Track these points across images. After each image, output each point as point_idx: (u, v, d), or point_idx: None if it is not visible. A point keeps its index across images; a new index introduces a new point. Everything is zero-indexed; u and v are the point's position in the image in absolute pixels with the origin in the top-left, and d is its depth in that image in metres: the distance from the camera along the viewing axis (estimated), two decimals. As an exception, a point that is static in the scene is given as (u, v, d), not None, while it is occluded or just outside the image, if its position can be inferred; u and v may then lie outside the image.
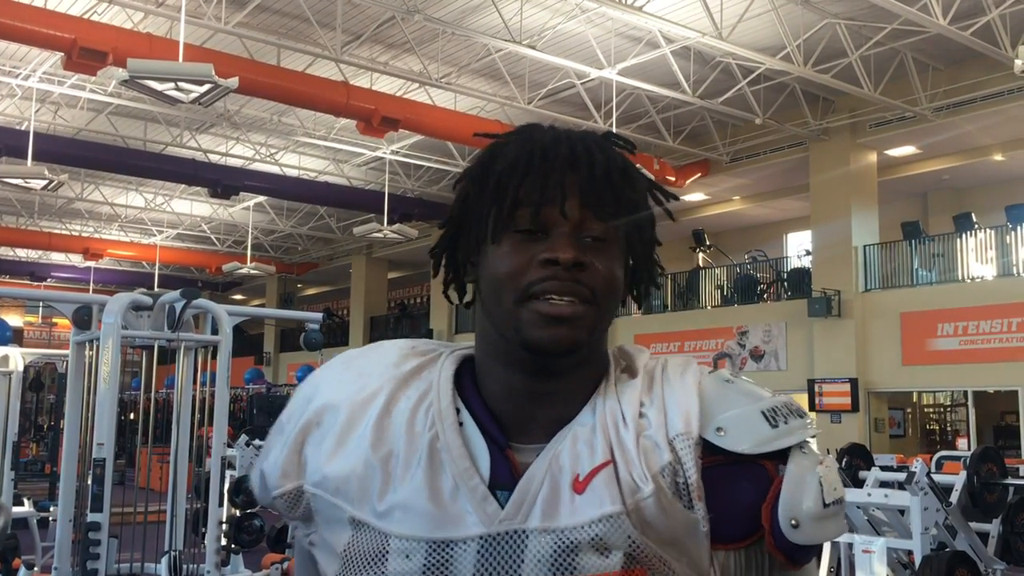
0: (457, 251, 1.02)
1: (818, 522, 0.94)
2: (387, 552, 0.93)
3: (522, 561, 0.90)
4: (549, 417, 0.97)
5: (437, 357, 1.04)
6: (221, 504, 5.64)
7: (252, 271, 22.49)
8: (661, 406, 0.95)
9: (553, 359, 0.95)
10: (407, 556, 0.91)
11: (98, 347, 5.10)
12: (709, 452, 0.94)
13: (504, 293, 0.95)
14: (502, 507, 0.92)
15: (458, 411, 0.97)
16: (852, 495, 6.63)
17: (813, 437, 0.97)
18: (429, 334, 22.48)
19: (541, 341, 0.93)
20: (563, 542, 0.90)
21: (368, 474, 0.95)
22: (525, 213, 0.94)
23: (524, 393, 0.98)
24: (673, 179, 17.13)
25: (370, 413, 0.98)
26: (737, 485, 0.94)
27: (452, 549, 0.91)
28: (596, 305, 0.95)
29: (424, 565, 0.91)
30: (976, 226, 15.27)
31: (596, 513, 0.90)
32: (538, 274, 0.93)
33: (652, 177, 1.04)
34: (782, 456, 0.95)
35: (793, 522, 0.93)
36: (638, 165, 1.03)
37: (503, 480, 0.93)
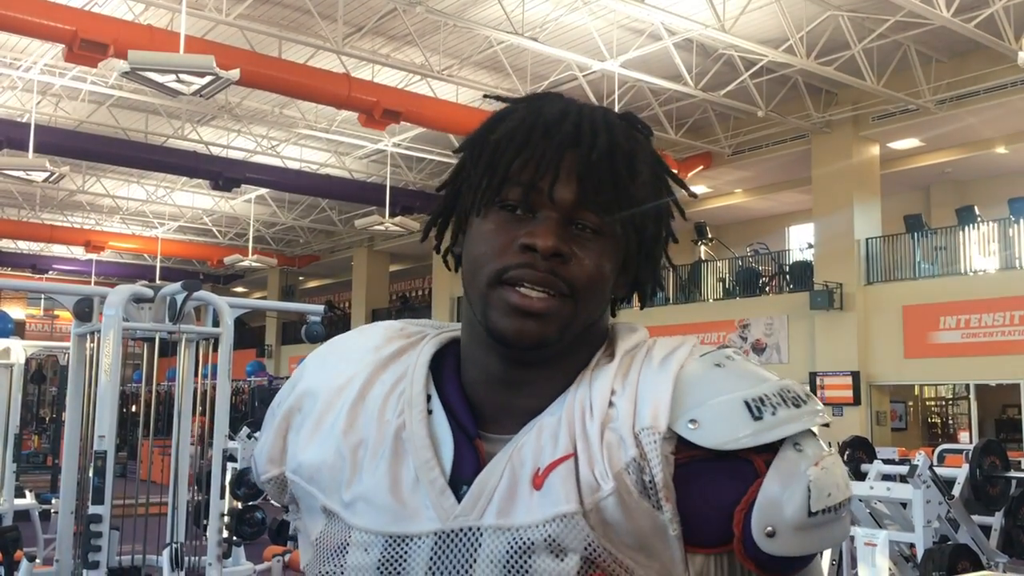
0: (451, 219, 0.96)
1: (800, 532, 0.82)
2: (348, 543, 0.89)
3: (475, 560, 0.84)
4: (524, 408, 0.90)
5: (421, 339, 0.98)
6: (223, 496, 5.64)
7: (254, 264, 22.49)
8: (632, 395, 0.86)
9: (520, 352, 0.88)
10: (365, 550, 0.88)
11: (99, 339, 5.09)
12: (686, 446, 0.84)
13: (479, 273, 0.88)
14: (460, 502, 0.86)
15: (429, 398, 0.92)
16: (854, 488, 6.62)
17: (822, 426, 0.87)
18: (431, 327, 22.44)
19: (506, 332, 0.87)
20: (517, 542, 0.83)
21: (338, 463, 0.91)
22: (514, 190, 0.88)
23: (500, 380, 0.91)
24: (675, 172, 17.09)
25: (344, 399, 0.94)
26: (716, 483, 0.84)
27: (407, 544, 0.86)
28: (573, 300, 0.87)
29: (380, 560, 0.87)
30: (979, 219, 15.23)
31: (550, 512, 0.82)
32: (515, 259, 0.86)
33: (668, 167, 0.97)
34: (774, 450, 0.84)
35: (769, 530, 0.82)
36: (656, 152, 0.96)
37: (467, 473, 0.87)
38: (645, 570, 0.83)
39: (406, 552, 0.86)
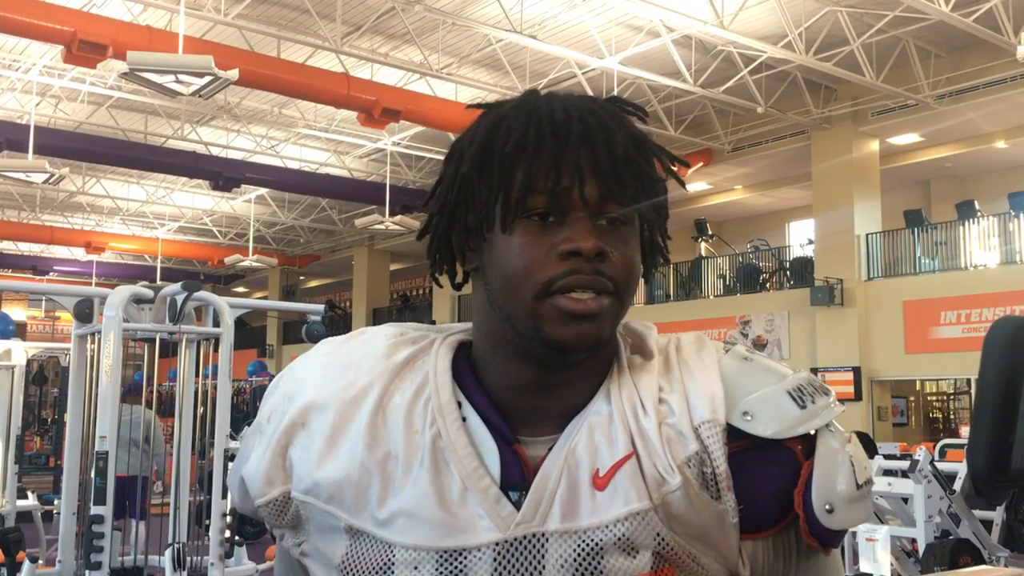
0: (452, 236, 0.92)
1: (852, 504, 0.88)
2: (392, 563, 0.85)
3: (543, 567, 0.83)
4: (560, 408, 0.89)
5: (430, 344, 0.95)
6: (224, 496, 5.63)
7: (254, 264, 22.49)
8: (682, 391, 0.88)
9: (572, 356, 0.88)
10: (415, 568, 0.84)
11: (100, 340, 5.09)
12: (733, 437, 0.87)
13: (521, 289, 0.86)
14: (516, 509, 0.84)
15: (459, 405, 0.89)
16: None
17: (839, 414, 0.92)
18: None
19: (563, 339, 0.85)
20: (586, 544, 0.83)
21: (365, 479, 0.87)
22: (539, 199, 0.85)
23: (533, 386, 0.90)
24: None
25: (362, 411, 0.89)
26: (764, 471, 0.88)
27: (465, 558, 0.83)
28: (618, 296, 0.87)
29: None
30: (979, 214, 15.24)
31: (621, 511, 0.83)
32: (559, 268, 0.85)
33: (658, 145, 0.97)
34: (806, 437, 0.89)
35: (828, 507, 0.86)
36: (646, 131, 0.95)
37: (515, 479, 0.86)
38: (705, 558, 0.86)
39: (464, 566, 0.84)
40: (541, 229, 0.86)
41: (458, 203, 0.91)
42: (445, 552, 0.84)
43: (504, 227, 0.87)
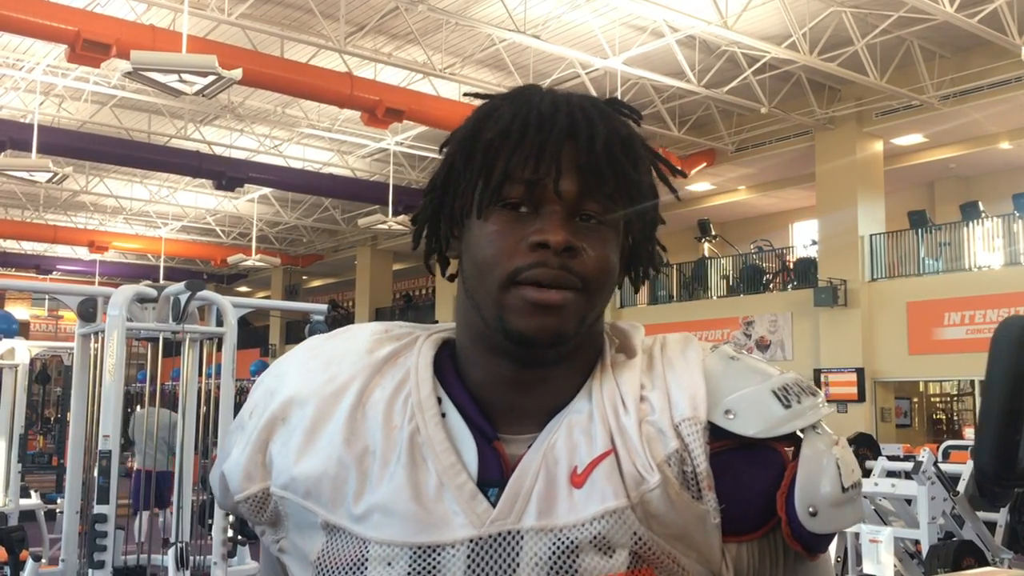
0: (440, 222, 0.92)
1: (837, 508, 0.85)
2: (366, 559, 0.84)
3: (517, 565, 0.82)
4: (541, 406, 0.88)
5: (413, 341, 0.94)
6: (227, 496, 5.62)
7: (257, 263, 22.50)
8: (664, 388, 0.87)
9: (538, 350, 0.86)
10: (389, 564, 0.83)
11: (103, 339, 5.09)
12: (716, 437, 0.85)
13: (488, 277, 0.85)
14: (493, 505, 0.83)
15: (439, 401, 0.88)
16: (859, 485, 6.61)
17: (826, 416, 0.90)
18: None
19: (526, 330, 0.84)
20: (562, 542, 0.81)
21: (342, 474, 0.86)
22: (515, 188, 0.85)
23: (512, 382, 0.88)
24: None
25: (342, 406, 0.88)
26: (748, 471, 0.86)
27: (439, 554, 0.82)
28: (586, 294, 0.85)
29: (408, 573, 0.82)
30: (983, 215, 15.21)
31: (598, 509, 0.82)
32: (526, 259, 0.84)
33: (657, 151, 0.96)
34: (794, 438, 0.87)
35: (811, 510, 0.85)
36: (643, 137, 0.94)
37: (492, 476, 0.85)
38: (686, 559, 0.84)
39: (438, 562, 0.82)
40: (515, 219, 0.86)
41: (446, 187, 0.91)
42: (419, 548, 0.83)
43: (480, 214, 0.86)
